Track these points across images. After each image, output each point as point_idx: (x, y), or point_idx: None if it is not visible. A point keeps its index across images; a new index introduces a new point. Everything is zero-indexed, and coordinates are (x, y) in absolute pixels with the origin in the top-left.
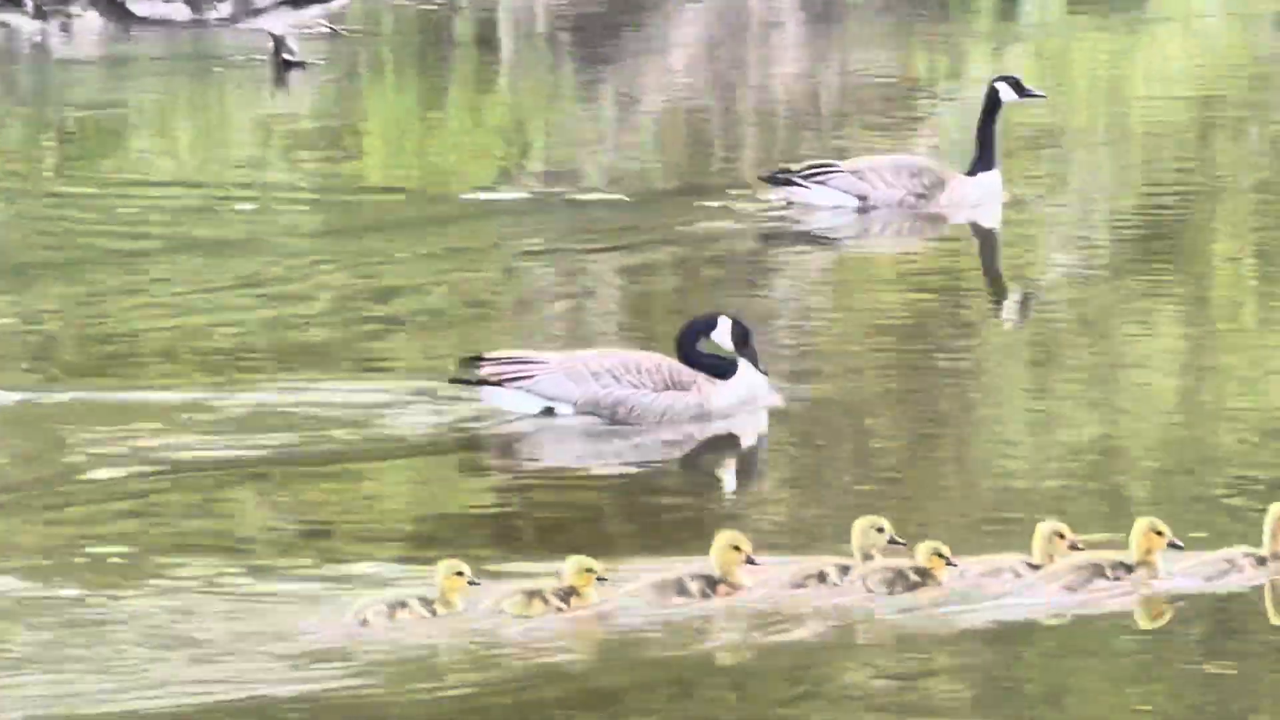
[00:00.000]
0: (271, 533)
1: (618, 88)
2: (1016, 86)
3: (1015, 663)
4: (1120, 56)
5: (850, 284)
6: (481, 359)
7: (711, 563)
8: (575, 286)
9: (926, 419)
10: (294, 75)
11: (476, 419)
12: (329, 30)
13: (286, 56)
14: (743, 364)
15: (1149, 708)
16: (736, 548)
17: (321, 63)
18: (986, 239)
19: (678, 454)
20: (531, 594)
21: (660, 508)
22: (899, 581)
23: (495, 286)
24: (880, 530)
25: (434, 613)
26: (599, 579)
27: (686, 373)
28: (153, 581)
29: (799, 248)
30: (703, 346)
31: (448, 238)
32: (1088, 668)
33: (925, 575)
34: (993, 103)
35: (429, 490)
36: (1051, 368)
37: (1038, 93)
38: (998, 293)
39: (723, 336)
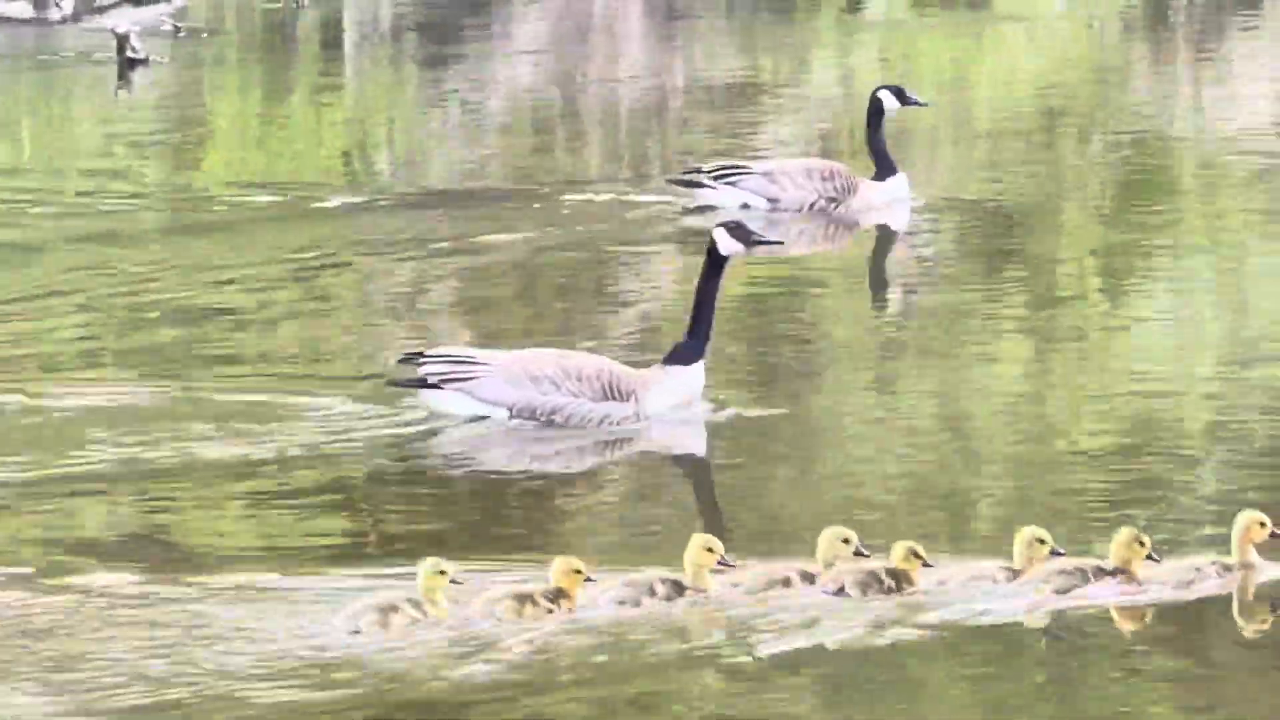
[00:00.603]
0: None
1: (462, 87)
2: (899, 94)
3: (990, 668)
4: (966, 55)
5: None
6: (422, 356)
7: (685, 564)
8: (433, 286)
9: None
10: (138, 73)
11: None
12: (173, 28)
13: (130, 54)
14: (699, 365)
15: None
16: (709, 550)
17: (165, 61)
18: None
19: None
20: (522, 598)
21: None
22: (873, 585)
23: (343, 286)
24: (846, 541)
25: (424, 614)
26: (587, 579)
27: (625, 382)
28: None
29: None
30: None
31: (291, 236)
32: (1061, 673)
33: (899, 578)
34: (876, 112)
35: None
36: (905, 374)
37: (920, 100)
38: (844, 297)
39: (731, 248)
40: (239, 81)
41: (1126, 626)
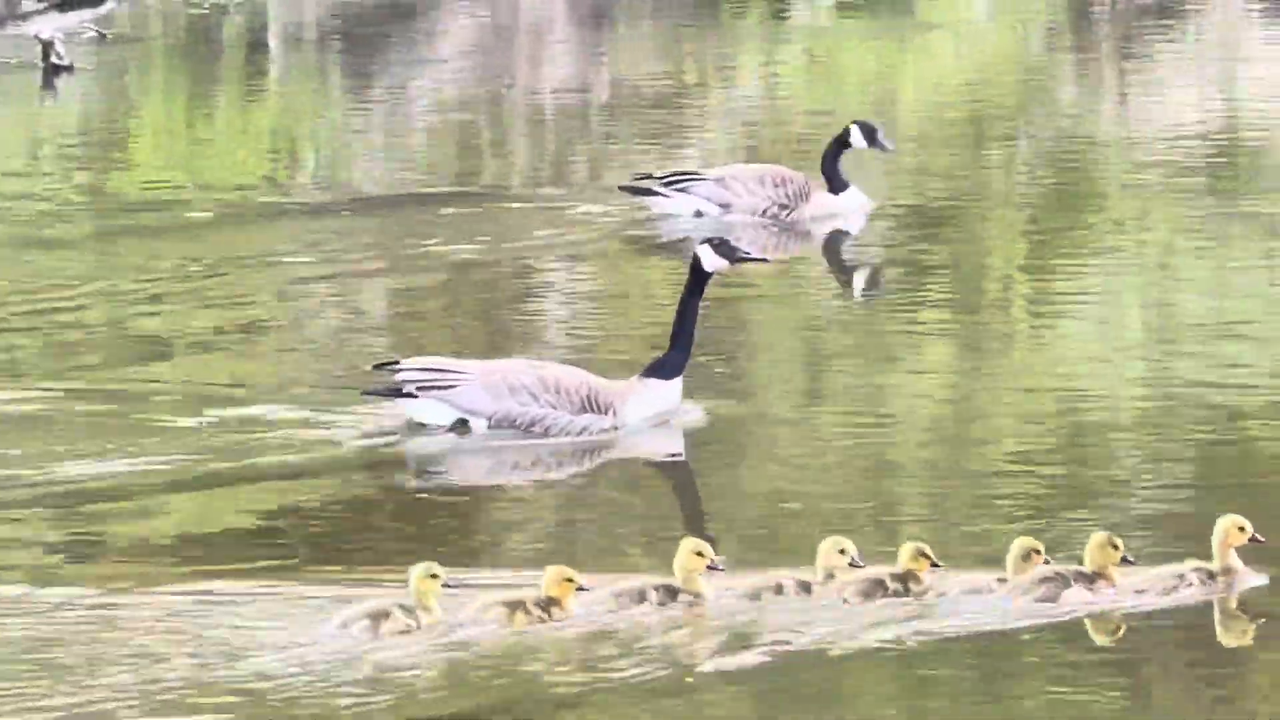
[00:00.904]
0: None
1: (389, 93)
2: (870, 134)
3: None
4: (891, 61)
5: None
6: (397, 365)
7: (675, 569)
8: (366, 296)
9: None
10: (62, 80)
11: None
12: (97, 35)
13: (54, 61)
14: (678, 380)
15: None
16: (699, 554)
17: (90, 68)
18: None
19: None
20: (514, 606)
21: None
22: (877, 591)
23: (269, 299)
24: (843, 551)
25: (417, 621)
26: (579, 588)
27: (604, 395)
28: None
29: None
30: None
31: (215, 245)
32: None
33: (905, 582)
34: (841, 142)
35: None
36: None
37: (888, 146)
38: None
39: (716, 265)
40: (164, 88)
41: (1107, 635)
